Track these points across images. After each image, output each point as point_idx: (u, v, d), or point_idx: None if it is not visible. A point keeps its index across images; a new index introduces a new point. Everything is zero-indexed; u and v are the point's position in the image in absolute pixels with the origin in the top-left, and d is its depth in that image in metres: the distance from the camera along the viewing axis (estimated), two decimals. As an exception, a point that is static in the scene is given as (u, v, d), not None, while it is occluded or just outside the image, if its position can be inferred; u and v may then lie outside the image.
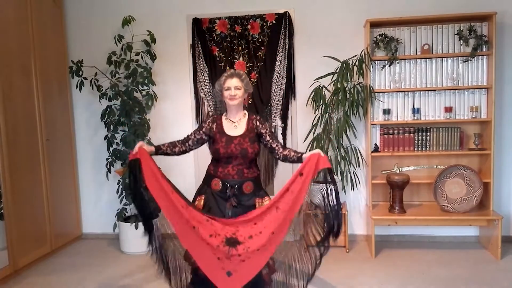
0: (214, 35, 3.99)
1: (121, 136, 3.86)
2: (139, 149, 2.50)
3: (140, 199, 2.47)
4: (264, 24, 3.93)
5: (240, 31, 3.95)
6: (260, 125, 2.69)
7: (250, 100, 3.94)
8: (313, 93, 3.68)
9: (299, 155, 2.55)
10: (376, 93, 3.71)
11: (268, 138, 2.67)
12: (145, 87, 3.91)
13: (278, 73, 3.97)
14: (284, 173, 3.94)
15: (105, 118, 3.87)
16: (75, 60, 3.89)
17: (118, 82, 3.86)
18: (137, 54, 3.89)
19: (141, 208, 2.50)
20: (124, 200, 3.85)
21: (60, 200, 3.99)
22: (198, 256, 2.47)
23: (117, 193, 3.92)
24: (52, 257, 3.82)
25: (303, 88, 3.91)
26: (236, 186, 2.59)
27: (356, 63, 3.59)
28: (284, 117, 3.99)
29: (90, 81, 3.87)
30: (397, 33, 3.69)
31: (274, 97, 3.99)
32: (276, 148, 2.66)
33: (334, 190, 2.42)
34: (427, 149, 3.75)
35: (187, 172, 4.11)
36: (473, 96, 3.67)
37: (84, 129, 4.31)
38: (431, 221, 3.59)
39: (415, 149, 3.76)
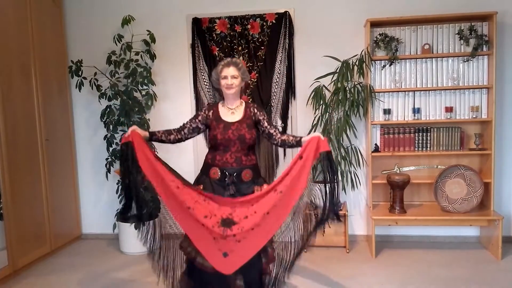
0: (214, 35, 3.98)
1: (121, 136, 3.85)
2: (131, 132, 2.47)
3: (130, 182, 2.43)
4: (264, 23, 3.92)
5: (240, 30, 3.95)
6: (258, 112, 2.69)
7: (250, 100, 3.94)
8: (313, 93, 3.67)
9: (298, 139, 2.55)
10: (376, 93, 3.70)
11: (266, 124, 2.67)
12: (144, 87, 3.91)
13: (278, 73, 3.96)
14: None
15: (105, 118, 3.86)
16: (74, 60, 3.89)
17: (117, 82, 3.86)
18: (137, 54, 3.89)
19: (128, 190, 2.46)
20: (124, 200, 3.84)
21: (60, 200, 3.98)
22: (194, 236, 2.46)
23: (116, 193, 3.92)
24: (52, 257, 3.82)
25: (303, 88, 3.90)
26: (235, 174, 2.58)
27: (357, 63, 3.58)
28: (284, 117, 3.99)
29: (90, 81, 3.87)
30: (398, 33, 3.69)
31: (274, 97, 3.99)
32: (274, 133, 2.65)
33: (334, 171, 2.42)
34: (428, 149, 3.74)
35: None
36: (473, 96, 3.66)
37: (83, 129, 4.30)
38: (431, 221, 3.59)
39: (416, 149, 3.75)
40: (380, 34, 3.67)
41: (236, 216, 2.47)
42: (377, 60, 3.71)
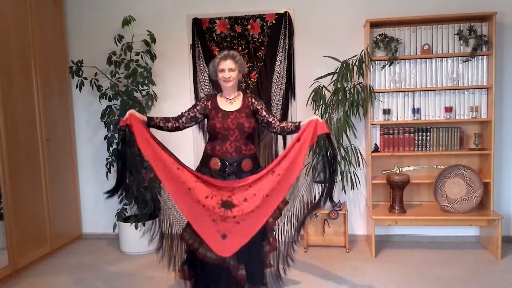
0: (214, 35, 3.99)
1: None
2: (129, 115, 2.48)
3: (126, 165, 2.46)
4: (264, 24, 3.93)
5: (240, 31, 3.95)
6: (256, 102, 2.73)
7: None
8: (313, 93, 3.68)
9: (297, 123, 2.59)
10: (376, 93, 3.70)
11: (264, 113, 2.70)
12: (145, 87, 3.91)
13: (278, 73, 3.97)
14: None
15: (105, 118, 3.86)
16: (75, 60, 3.89)
17: (118, 82, 3.86)
18: (137, 54, 3.89)
19: (122, 172, 2.49)
20: (124, 200, 3.84)
21: (60, 200, 3.99)
22: (193, 218, 2.48)
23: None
24: (52, 257, 3.82)
25: (303, 88, 3.91)
26: (235, 164, 2.60)
27: (356, 63, 3.59)
28: (284, 117, 3.99)
29: (90, 81, 3.87)
30: (397, 33, 3.69)
31: (274, 97, 3.99)
32: (273, 121, 2.69)
33: (333, 155, 2.44)
34: (427, 149, 3.74)
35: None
36: (473, 96, 3.67)
37: (84, 129, 4.31)
38: (431, 221, 3.59)
39: (415, 149, 3.75)
40: (379, 35, 3.67)
41: (235, 199, 2.50)
42: (377, 60, 3.72)
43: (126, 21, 3.83)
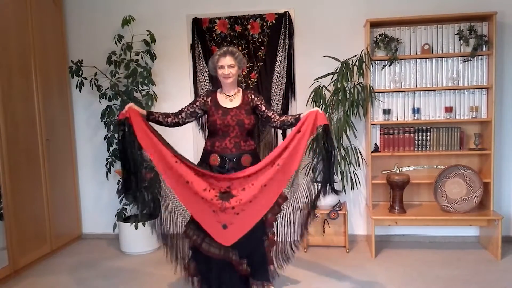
0: (214, 35, 3.99)
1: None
2: (129, 108, 2.50)
3: (129, 156, 2.44)
4: (264, 24, 3.93)
5: (240, 31, 3.95)
6: (255, 98, 2.74)
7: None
8: (313, 93, 3.67)
9: (297, 116, 2.59)
10: (376, 93, 3.70)
11: (264, 108, 2.71)
12: (145, 87, 3.91)
13: (278, 73, 3.97)
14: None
15: (105, 118, 3.86)
16: (75, 60, 3.89)
17: (118, 82, 3.86)
18: (137, 54, 3.89)
19: (128, 164, 2.46)
20: (124, 200, 3.85)
21: (60, 200, 3.99)
22: (194, 210, 2.51)
23: (117, 193, 3.91)
24: (52, 257, 3.82)
25: (303, 88, 3.90)
26: (234, 160, 2.61)
27: (356, 63, 3.59)
28: (284, 117, 3.99)
29: (90, 81, 3.87)
30: (397, 33, 3.69)
31: (274, 97, 3.99)
32: (273, 116, 2.69)
33: (331, 146, 2.45)
34: (427, 149, 3.74)
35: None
36: (473, 96, 3.67)
37: (84, 129, 4.30)
38: (431, 221, 3.59)
39: (415, 149, 3.75)
40: (380, 34, 3.67)
41: (234, 189, 2.52)
42: (377, 60, 3.71)
43: (126, 21, 3.82)
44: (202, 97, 2.76)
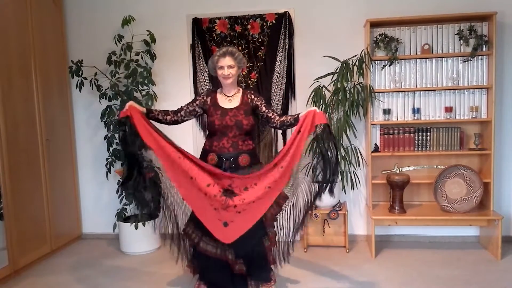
0: (214, 35, 3.99)
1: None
2: (129, 106, 2.51)
3: (131, 151, 2.45)
4: (264, 24, 3.93)
5: (240, 31, 3.95)
6: (255, 98, 2.74)
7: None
8: (313, 93, 3.67)
9: (296, 115, 2.59)
10: (376, 93, 3.70)
11: (264, 108, 2.72)
12: (145, 87, 3.91)
13: (278, 73, 3.97)
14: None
15: (105, 118, 3.86)
16: (75, 60, 3.89)
17: (118, 82, 3.86)
18: (137, 54, 3.89)
19: (130, 158, 2.47)
20: (124, 200, 3.85)
21: (60, 200, 3.99)
22: (196, 206, 2.52)
23: (117, 193, 3.92)
24: (52, 257, 3.82)
25: (303, 88, 3.90)
26: (231, 159, 2.61)
27: (356, 63, 3.59)
28: (284, 117, 3.99)
29: (90, 81, 3.87)
30: (397, 33, 3.69)
31: (274, 97, 3.99)
32: (272, 116, 2.70)
33: (331, 146, 2.45)
34: (427, 149, 3.74)
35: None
36: (473, 96, 3.67)
37: (84, 129, 4.30)
38: (431, 221, 3.59)
39: (415, 149, 3.75)
40: (380, 34, 3.67)
41: (236, 187, 2.54)
42: (377, 60, 3.71)
43: (126, 21, 3.82)
44: (202, 96, 2.77)
